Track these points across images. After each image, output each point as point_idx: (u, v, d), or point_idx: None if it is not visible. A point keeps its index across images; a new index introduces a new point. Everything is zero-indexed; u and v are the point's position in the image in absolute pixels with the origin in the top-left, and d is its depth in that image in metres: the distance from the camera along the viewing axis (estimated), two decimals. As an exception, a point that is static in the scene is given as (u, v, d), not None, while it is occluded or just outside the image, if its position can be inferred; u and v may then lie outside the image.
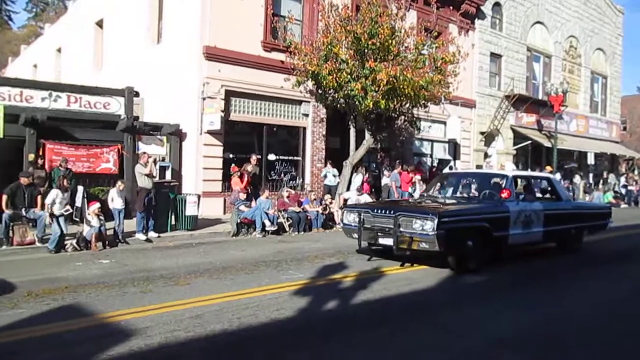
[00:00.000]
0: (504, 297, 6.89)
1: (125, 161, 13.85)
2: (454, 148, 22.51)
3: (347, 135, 15.63)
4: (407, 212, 7.97)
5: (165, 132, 14.84)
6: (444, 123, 21.36)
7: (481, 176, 11.48)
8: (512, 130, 24.50)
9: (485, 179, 10.65)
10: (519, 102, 24.13)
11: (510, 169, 24.16)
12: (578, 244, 10.38)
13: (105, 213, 10.84)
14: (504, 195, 8.70)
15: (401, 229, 7.82)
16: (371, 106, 13.27)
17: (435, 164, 21.27)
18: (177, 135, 15.08)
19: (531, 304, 6.41)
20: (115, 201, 10.81)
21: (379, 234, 8.23)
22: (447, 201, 9.20)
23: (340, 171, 15.63)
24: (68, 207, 10.60)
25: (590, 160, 27.42)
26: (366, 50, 13.34)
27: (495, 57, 23.96)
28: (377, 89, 13.02)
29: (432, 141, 21.78)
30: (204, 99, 14.70)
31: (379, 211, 8.40)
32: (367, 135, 15.13)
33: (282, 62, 15.51)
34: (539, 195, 10.57)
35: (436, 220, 7.38)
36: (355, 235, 8.70)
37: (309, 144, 17.17)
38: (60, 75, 25.15)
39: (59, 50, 27.19)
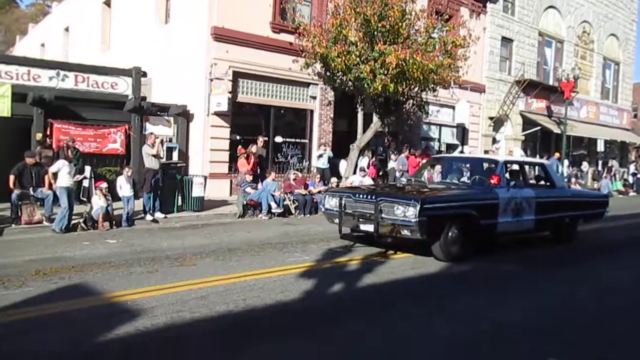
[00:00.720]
0: (506, 285, 6.88)
1: (132, 142, 13.85)
2: (462, 133, 22.35)
3: (355, 118, 15.54)
4: (389, 198, 7.60)
5: (173, 113, 14.81)
6: (453, 107, 21.19)
7: (472, 161, 11.14)
8: (522, 115, 24.27)
9: (476, 164, 10.34)
10: (529, 87, 23.87)
11: (519, 155, 24.11)
12: (572, 234, 9.95)
13: (113, 193, 10.89)
14: (493, 181, 8.32)
15: (383, 215, 7.47)
16: (380, 89, 13.15)
17: (443, 149, 21.17)
18: (184, 116, 15.06)
19: (537, 292, 6.40)
20: (124, 188, 10.70)
21: (360, 219, 7.83)
22: (433, 186, 8.96)
23: (347, 154, 15.56)
24: (78, 175, 10.61)
25: (600, 147, 27.19)
26: (376, 33, 13.17)
27: (506, 41, 23.65)
28: (386, 72, 12.88)
29: (440, 125, 21.63)
30: (211, 80, 14.63)
31: (361, 196, 7.99)
32: (375, 118, 15.03)
33: (291, 43, 15.38)
34: (533, 182, 10.23)
35: (418, 206, 7.04)
36: (337, 221, 8.26)
37: (316, 126, 17.10)
38: (67, 55, 25.09)
39: (66, 29, 27.10)
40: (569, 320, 5.27)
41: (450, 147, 21.66)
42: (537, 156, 25.67)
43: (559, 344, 4.56)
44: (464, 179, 10.05)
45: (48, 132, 12.65)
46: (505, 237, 8.97)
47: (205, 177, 12.76)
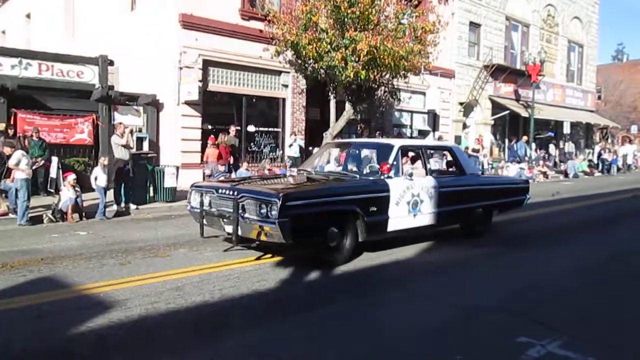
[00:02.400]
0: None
1: (100, 132, 13.56)
2: (434, 119, 22.55)
3: (327, 106, 15.51)
4: (251, 193, 6.35)
5: (142, 103, 14.55)
6: (424, 94, 21.35)
7: (367, 146, 9.71)
8: (491, 100, 24.61)
9: (371, 150, 9.09)
10: (498, 72, 24.20)
11: (489, 140, 24.54)
12: (485, 226, 8.84)
13: (81, 184, 10.66)
14: (384, 169, 7.09)
15: (246, 215, 6.27)
16: (351, 77, 13.13)
17: (414, 135, 21.33)
18: (154, 105, 14.80)
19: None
20: (100, 179, 10.41)
21: (224, 220, 6.57)
22: (314, 178, 7.68)
23: (320, 143, 15.53)
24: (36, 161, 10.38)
25: (567, 129, 27.79)
26: (346, 20, 13.12)
27: (474, 26, 23.88)
28: (357, 59, 12.86)
29: (412, 112, 21.77)
30: (180, 68, 14.39)
31: (224, 191, 6.68)
32: (348, 106, 15.03)
33: (261, 31, 15.17)
34: (442, 169, 9.30)
35: (279, 204, 5.82)
36: (205, 221, 7.00)
37: (288, 115, 17.01)
38: (30, 43, 24.32)
39: (28, 16, 26.24)
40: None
41: (422, 133, 21.84)
42: (507, 140, 26.17)
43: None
44: (357, 167, 8.74)
45: (12, 122, 12.28)
46: (403, 234, 7.58)
47: (178, 168, 12.60)
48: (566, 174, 24.05)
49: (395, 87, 15.53)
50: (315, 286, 5.84)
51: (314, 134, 16.26)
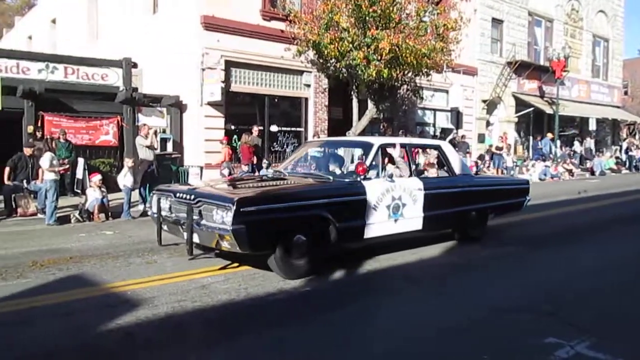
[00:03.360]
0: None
1: (125, 133, 13.76)
2: (457, 117, 22.35)
3: (350, 105, 15.47)
4: (208, 198, 5.79)
5: (166, 104, 14.72)
6: (447, 92, 21.18)
7: (344, 145, 8.78)
8: (514, 97, 24.29)
9: (349, 149, 8.45)
10: (521, 68, 23.87)
11: (513, 137, 24.21)
12: (480, 231, 8.15)
13: (107, 185, 10.83)
14: (359, 170, 6.41)
15: (203, 221, 5.70)
16: (374, 75, 13.08)
17: (437, 133, 21.17)
18: (177, 106, 14.97)
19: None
20: (127, 178, 10.63)
21: (183, 227, 6.01)
22: (281, 179, 7.07)
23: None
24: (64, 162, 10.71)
25: (592, 126, 27.28)
26: (367, 18, 13.09)
27: (496, 22, 23.59)
28: (379, 57, 12.82)
29: (435, 110, 21.61)
30: (203, 69, 14.51)
31: (182, 195, 6.12)
32: (370, 105, 14.98)
33: (282, 31, 15.22)
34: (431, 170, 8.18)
35: (233, 209, 5.25)
36: (165, 227, 6.53)
37: (311, 114, 17.03)
38: (55, 47, 24.79)
39: (53, 21, 26.76)
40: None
41: (445, 132, 21.65)
42: (531, 137, 25.80)
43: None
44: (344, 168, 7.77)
45: (39, 125, 12.54)
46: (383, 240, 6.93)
47: (201, 168, 12.73)
48: (592, 172, 23.61)
49: (418, 85, 15.43)
50: (339, 285, 5.82)
51: (336, 133, 16.23)
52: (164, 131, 14.50)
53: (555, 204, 10.30)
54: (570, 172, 22.27)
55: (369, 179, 6.54)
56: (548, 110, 24.51)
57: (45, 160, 9.76)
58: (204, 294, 5.17)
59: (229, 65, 15.07)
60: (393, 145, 7.78)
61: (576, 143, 27.23)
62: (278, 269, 5.72)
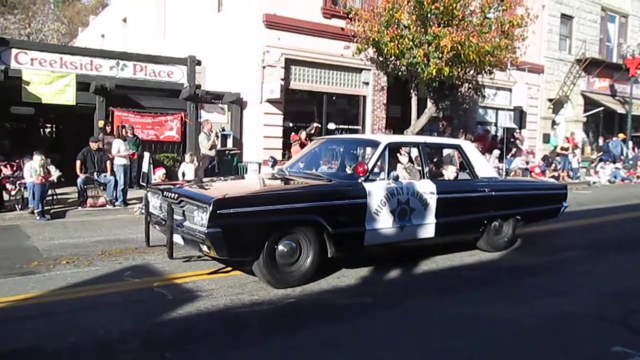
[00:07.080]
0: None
1: (188, 129, 14.21)
2: (520, 116, 21.63)
3: (408, 103, 15.31)
4: (189, 197, 5.38)
5: (227, 101, 15.06)
6: (510, 90, 20.49)
7: (350, 143, 8.29)
8: (583, 96, 23.24)
9: (354, 148, 7.87)
10: (591, 66, 22.79)
11: (580, 138, 23.19)
12: (507, 240, 7.41)
13: (170, 179, 11.24)
14: (359, 171, 5.85)
15: (185, 222, 5.32)
16: (434, 73, 12.88)
17: (498, 133, 20.59)
18: (238, 103, 15.28)
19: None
20: (187, 175, 11.05)
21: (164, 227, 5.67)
22: (278, 179, 6.66)
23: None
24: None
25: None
26: (429, 15, 12.89)
27: (566, 18, 22.61)
28: (440, 55, 12.60)
29: (497, 109, 20.97)
30: (264, 67, 14.74)
31: (168, 193, 5.71)
32: (429, 103, 14.77)
33: (342, 29, 15.26)
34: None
35: (209, 210, 4.84)
36: (159, 227, 6.06)
37: (369, 112, 16.97)
38: (126, 45, 25.85)
39: (124, 20, 27.93)
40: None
41: (507, 131, 21.00)
42: (600, 138, 24.61)
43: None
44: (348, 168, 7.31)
45: (109, 120, 13.16)
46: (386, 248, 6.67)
47: (260, 164, 12.96)
48: (668, 175, 22.26)
49: (480, 83, 15.07)
50: (396, 284, 5.82)
51: (395, 131, 16.11)
52: (224, 129, 14.85)
53: (623, 207, 9.76)
54: (642, 175, 21.10)
55: (372, 180, 6.01)
56: (620, 109, 23.30)
57: (115, 146, 10.42)
58: (261, 288, 5.29)
59: (289, 62, 15.23)
60: (404, 145, 7.38)
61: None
62: (262, 277, 5.30)
